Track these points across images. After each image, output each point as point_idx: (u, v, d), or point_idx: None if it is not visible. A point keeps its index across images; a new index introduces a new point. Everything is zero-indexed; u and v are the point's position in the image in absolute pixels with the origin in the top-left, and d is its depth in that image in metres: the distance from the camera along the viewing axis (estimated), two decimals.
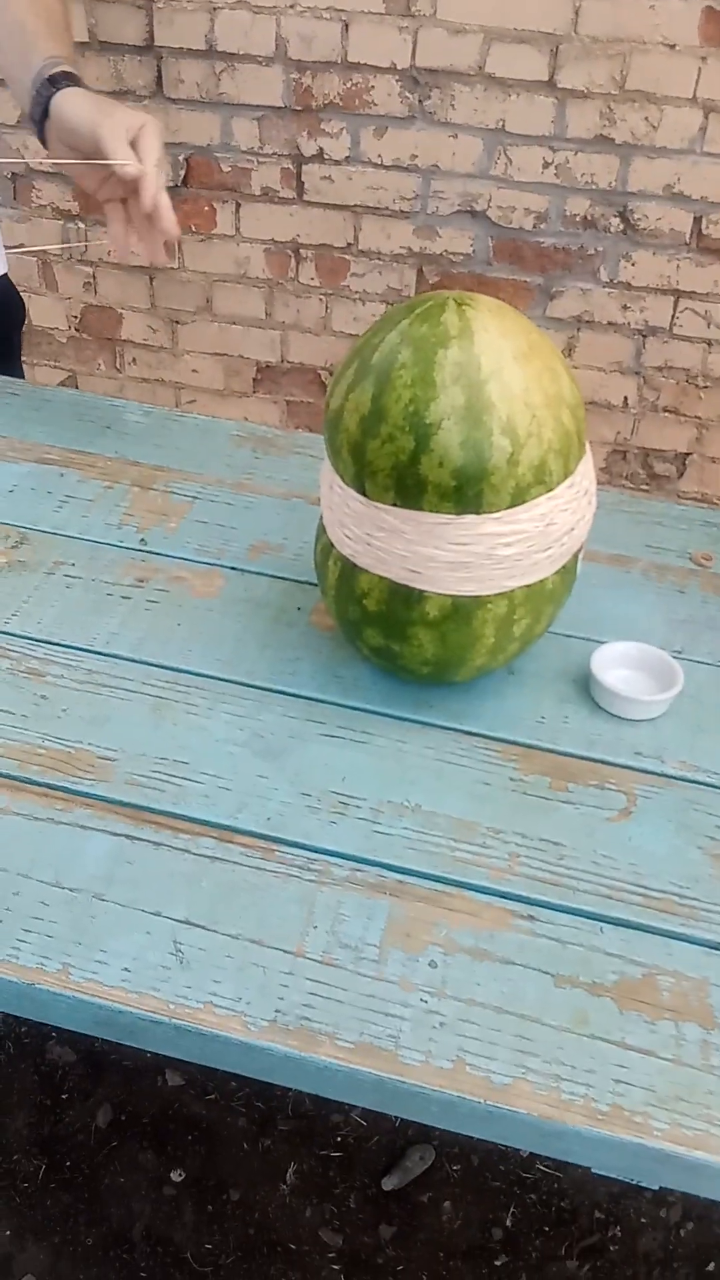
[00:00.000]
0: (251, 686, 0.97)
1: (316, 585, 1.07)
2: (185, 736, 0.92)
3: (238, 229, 2.43)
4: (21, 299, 1.56)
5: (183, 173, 2.39)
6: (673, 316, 2.33)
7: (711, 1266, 1.50)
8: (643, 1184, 0.71)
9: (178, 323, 2.59)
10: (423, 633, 0.89)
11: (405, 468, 0.83)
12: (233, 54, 2.23)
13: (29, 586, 1.06)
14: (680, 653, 1.02)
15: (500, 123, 2.20)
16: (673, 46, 2.07)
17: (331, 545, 0.92)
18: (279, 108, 2.27)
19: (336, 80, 2.21)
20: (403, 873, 0.83)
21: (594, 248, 2.29)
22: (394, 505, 0.85)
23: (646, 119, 2.15)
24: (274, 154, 2.32)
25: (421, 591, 0.87)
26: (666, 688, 0.96)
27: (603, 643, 1.00)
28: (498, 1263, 1.49)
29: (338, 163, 2.30)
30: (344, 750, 0.92)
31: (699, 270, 2.27)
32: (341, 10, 2.14)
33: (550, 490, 0.85)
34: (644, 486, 2.56)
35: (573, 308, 2.36)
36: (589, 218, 2.26)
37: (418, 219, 2.33)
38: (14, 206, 2.51)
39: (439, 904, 0.81)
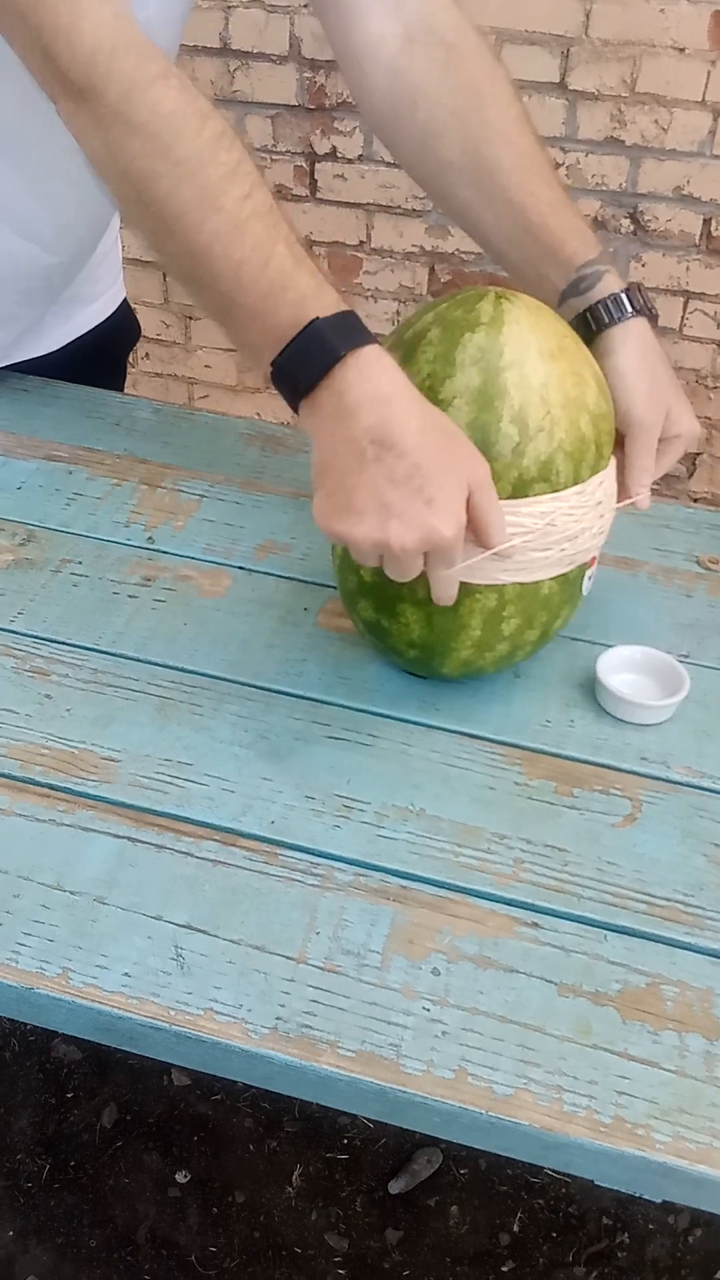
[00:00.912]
0: (257, 687, 0.97)
1: (324, 586, 1.07)
2: (190, 737, 0.92)
3: None
4: (137, 320, 1.52)
5: None
6: (682, 317, 2.32)
7: None
8: (646, 1197, 0.70)
9: (191, 318, 2.59)
10: (410, 611, 0.89)
11: None
12: (247, 52, 2.22)
13: (35, 584, 1.06)
14: (687, 657, 1.01)
15: None
16: (682, 50, 2.06)
17: None
18: (292, 106, 2.26)
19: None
20: (406, 878, 0.82)
21: (604, 248, 2.28)
22: None
23: (656, 121, 2.14)
24: (287, 152, 2.31)
25: None
26: (672, 692, 0.95)
27: (609, 646, 0.99)
28: (505, 1268, 1.49)
29: (350, 161, 2.29)
30: (349, 753, 0.91)
31: (708, 272, 2.26)
32: None
33: (556, 490, 0.84)
34: (655, 485, 2.55)
35: None
36: (599, 219, 2.25)
37: (430, 217, 2.32)
38: None
39: (443, 910, 0.80)
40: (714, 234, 2.21)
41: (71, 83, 0.80)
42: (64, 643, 1.00)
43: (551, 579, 0.88)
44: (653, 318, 1.00)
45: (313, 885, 0.81)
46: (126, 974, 0.75)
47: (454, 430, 0.80)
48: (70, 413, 1.30)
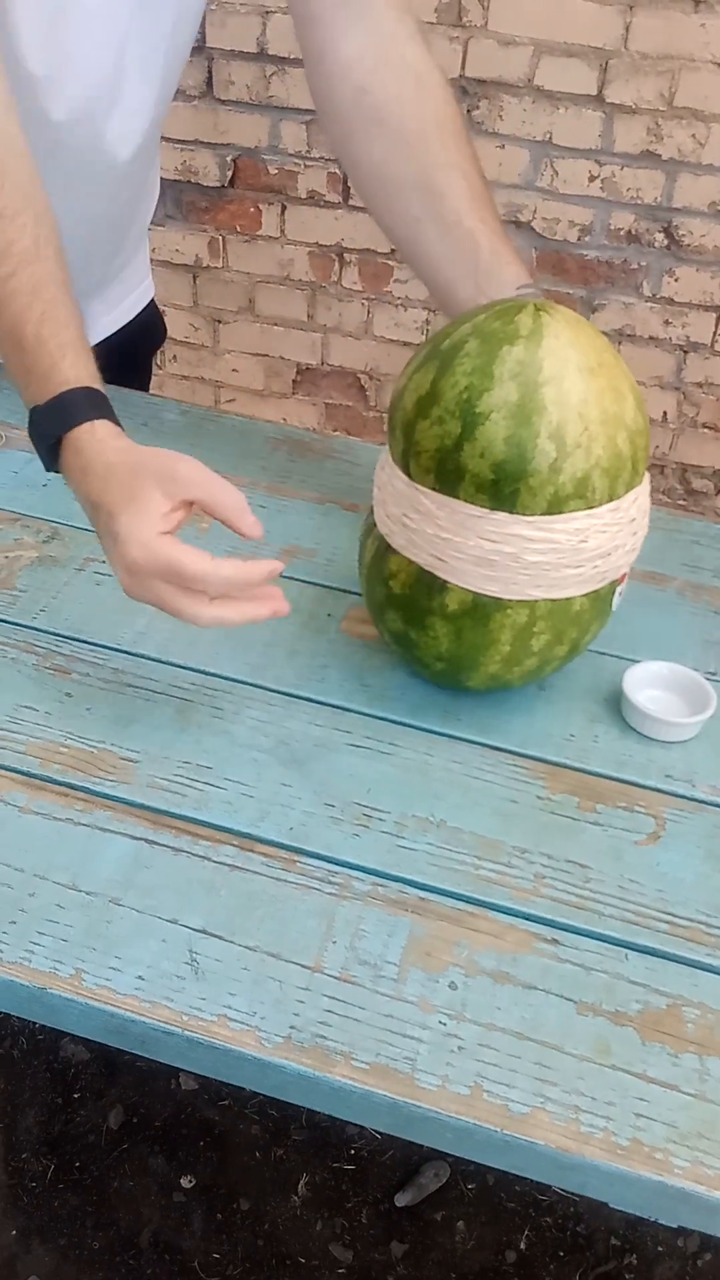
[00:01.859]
0: (278, 692, 0.96)
1: (347, 592, 1.06)
2: (209, 741, 0.91)
3: (282, 231, 2.42)
4: (164, 321, 1.53)
5: (230, 174, 2.38)
6: (714, 333, 2.31)
7: None
8: (661, 1221, 0.69)
9: (219, 322, 2.59)
10: (439, 624, 0.88)
11: (448, 452, 0.83)
12: (283, 58, 2.22)
13: (58, 582, 1.05)
14: (714, 675, 1.00)
15: (548, 135, 2.18)
16: None
17: (374, 523, 0.92)
18: None
19: None
20: (425, 890, 0.81)
21: (637, 262, 2.27)
22: (433, 489, 0.85)
23: (694, 136, 2.13)
24: (320, 158, 2.31)
25: (445, 582, 0.86)
26: (699, 710, 0.94)
27: (635, 662, 0.98)
28: None
29: None
30: (370, 761, 0.90)
31: None
32: None
33: (591, 507, 0.83)
34: (681, 502, 2.53)
35: (614, 321, 2.34)
36: (633, 232, 2.24)
37: None
38: None
39: (461, 923, 0.79)
40: None
41: None
42: (86, 641, 0.99)
43: (583, 595, 0.88)
44: None
45: (330, 894, 0.80)
46: (140, 977, 0.74)
47: (140, 463, 0.83)
48: None
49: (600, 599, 0.89)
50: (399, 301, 2.43)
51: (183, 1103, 1.64)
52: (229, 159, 2.37)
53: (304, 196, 2.36)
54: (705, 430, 2.41)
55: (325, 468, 1.24)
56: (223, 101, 2.31)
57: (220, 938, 0.77)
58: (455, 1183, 1.57)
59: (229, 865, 0.82)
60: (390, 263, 2.39)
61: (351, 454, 1.26)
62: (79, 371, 0.87)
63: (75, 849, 0.82)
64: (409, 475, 0.87)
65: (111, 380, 1.34)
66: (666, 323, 2.32)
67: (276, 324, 2.55)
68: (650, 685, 0.96)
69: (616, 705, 0.96)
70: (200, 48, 2.25)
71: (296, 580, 1.08)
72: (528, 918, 0.80)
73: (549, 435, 0.81)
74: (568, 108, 2.14)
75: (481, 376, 0.82)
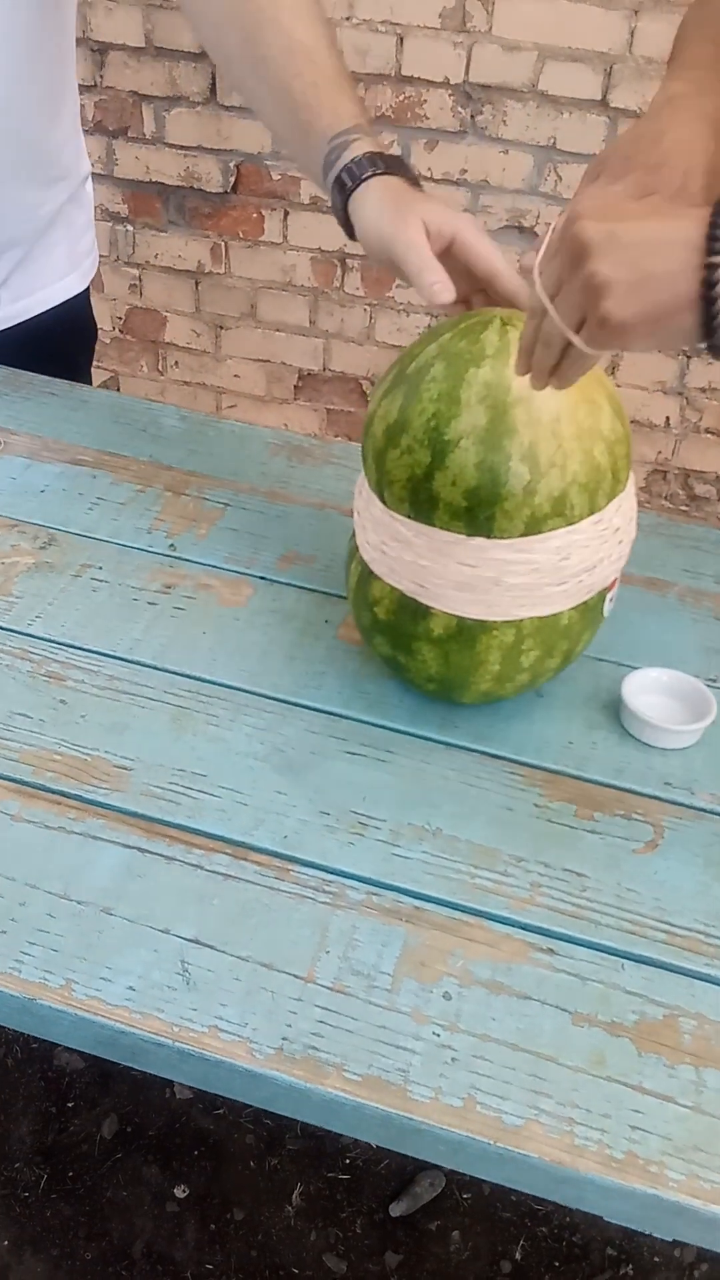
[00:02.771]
0: (275, 699, 0.95)
1: (345, 598, 1.05)
2: (204, 748, 0.91)
3: (285, 237, 2.42)
4: (94, 320, 1.49)
5: (233, 180, 2.38)
6: None
7: None
8: (656, 1235, 0.68)
9: (221, 327, 2.58)
10: (426, 649, 0.87)
11: (419, 482, 0.81)
12: None
13: (55, 588, 1.05)
14: (714, 681, 0.99)
15: (552, 140, 2.18)
16: None
17: (357, 546, 0.91)
18: None
19: (389, 93, 2.20)
20: (420, 898, 0.80)
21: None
22: (408, 518, 0.84)
23: None
24: None
25: (428, 607, 0.85)
26: (699, 717, 0.94)
27: (635, 668, 0.97)
28: None
29: None
30: (365, 769, 0.90)
31: None
32: (396, 23, 2.13)
33: (570, 524, 0.82)
34: (683, 507, 2.53)
35: None
36: None
37: None
38: None
39: (456, 933, 0.78)
40: None
41: None
42: (81, 648, 0.99)
43: (570, 608, 0.86)
44: (411, 179, 0.95)
45: (324, 903, 0.79)
46: (131, 988, 0.73)
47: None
48: (96, 417, 1.29)
49: (590, 609, 0.88)
50: (401, 307, 2.43)
51: (177, 1112, 1.63)
52: (232, 165, 2.37)
53: (306, 202, 2.35)
54: (708, 435, 2.41)
55: (324, 473, 1.23)
56: (226, 107, 2.30)
57: (212, 948, 0.76)
58: (450, 1192, 1.56)
59: (222, 874, 0.81)
60: None
61: (351, 459, 1.25)
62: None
63: (67, 858, 0.81)
64: (384, 503, 0.85)
65: (38, 369, 1.32)
66: None
67: (278, 329, 2.55)
68: (649, 691, 0.96)
69: (615, 712, 0.96)
70: (204, 54, 2.24)
71: (294, 586, 1.07)
72: (523, 927, 0.79)
73: (521, 457, 0.79)
74: (572, 113, 2.14)
75: (448, 402, 0.79)
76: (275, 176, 2.35)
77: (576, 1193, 0.68)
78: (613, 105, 2.12)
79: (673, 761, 0.92)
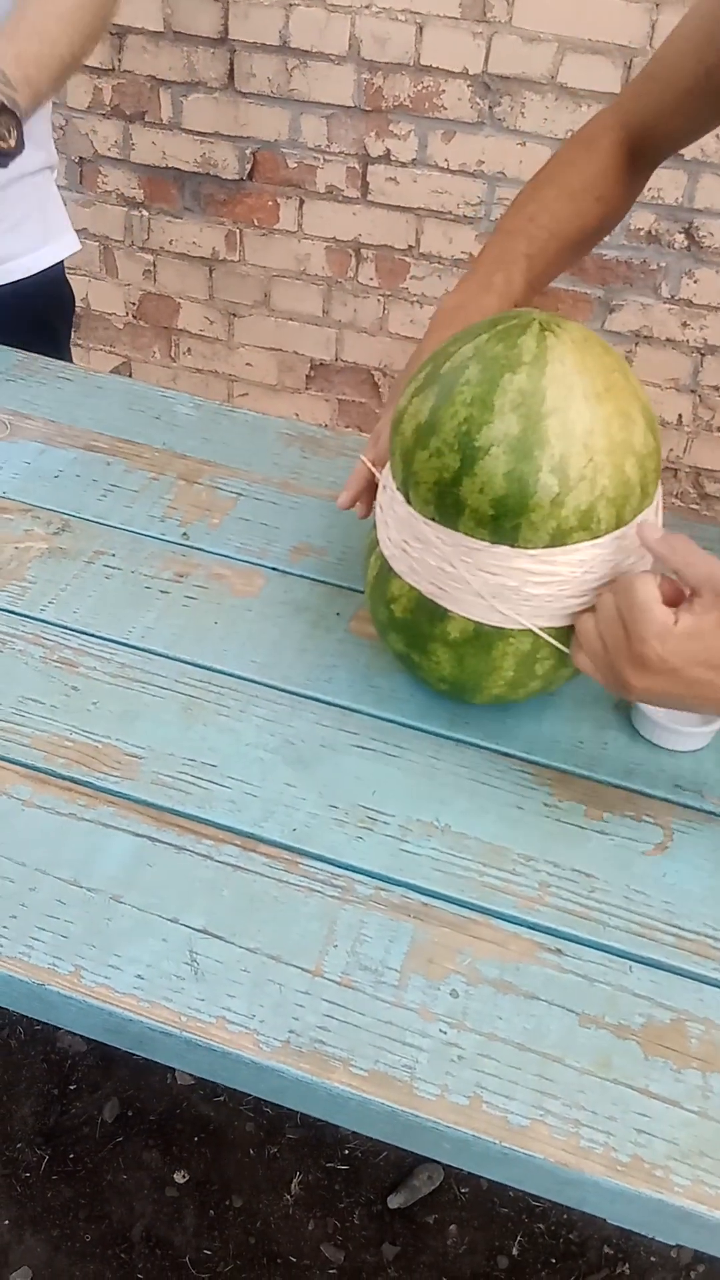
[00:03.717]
0: (285, 691, 0.95)
1: (357, 591, 1.05)
2: (215, 738, 0.90)
3: (300, 225, 2.41)
4: (72, 292, 1.55)
5: (249, 167, 2.37)
6: None
7: None
8: (659, 1239, 0.68)
9: (235, 315, 2.58)
10: (441, 651, 0.87)
11: (447, 486, 0.80)
12: (305, 51, 2.21)
13: (68, 575, 1.05)
14: None
15: (569, 132, 2.16)
16: None
17: (377, 540, 0.90)
18: (349, 107, 2.25)
19: (407, 82, 2.19)
20: (429, 895, 0.80)
21: (657, 263, 2.25)
22: (433, 520, 0.83)
23: (717, 136, 2.11)
24: (340, 153, 2.30)
25: (446, 610, 0.85)
26: (710, 719, 0.93)
27: None
28: None
29: (404, 165, 2.28)
30: (375, 763, 0.90)
31: None
32: (416, 13, 2.12)
33: (595, 538, 0.80)
34: (694, 505, 2.52)
35: (632, 322, 2.33)
36: (653, 232, 2.23)
37: (481, 225, 2.30)
38: (79, 191, 2.51)
39: (464, 931, 0.78)
40: None
41: None
42: (93, 635, 0.99)
43: None
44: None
45: (332, 897, 0.79)
46: (139, 976, 0.73)
47: None
48: (111, 404, 1.29)
49: None
50: (415, 298, 2.42)
51: (178, 1097, 1.63)
52: (248, 152, 2.36)
53: (322, 191, 2.34)
54: None
55: (337, 465, 1.23)
56: (243, 94, 2.29)
57: (221, 938, 0.76)
58: (449, 1186, 1.56)
59: (231, 865, 0.81)
60: (407, 259, 2.37)
61: (363, 451, 1.25)
62: None
63: (77, 845, 0.81)
64: (409, 503, 0.85)
65: (26, 347, 1.37)
66: (684, 325, 2.30)
67: (292, 319, 2.54)
68: None
69: (626, 712, 0.95)
70: (223, 39, 2.24)
71: (306, 578, 1.07)
72: (531, 926, 0.79)
73: (551, 469, 0.77)
74: (591, 105, 2.13)
75: (481, 408, 0.78)
76: (291, 164, 2.34)
77: (580, 1195, 0.68)
78: None
79: (683, 764, 0.92)
